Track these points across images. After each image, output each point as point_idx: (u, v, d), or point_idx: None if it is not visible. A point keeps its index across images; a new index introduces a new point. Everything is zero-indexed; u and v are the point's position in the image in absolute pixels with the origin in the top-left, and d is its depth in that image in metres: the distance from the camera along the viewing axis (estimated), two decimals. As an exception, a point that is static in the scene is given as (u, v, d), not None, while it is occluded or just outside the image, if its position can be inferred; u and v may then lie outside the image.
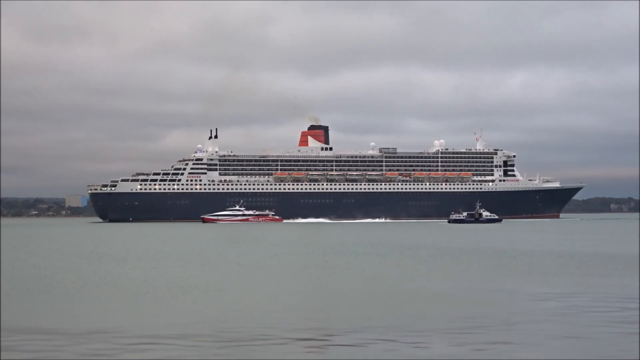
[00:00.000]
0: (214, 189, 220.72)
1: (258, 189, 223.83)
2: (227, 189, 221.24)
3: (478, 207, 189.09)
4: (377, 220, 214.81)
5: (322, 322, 29.64)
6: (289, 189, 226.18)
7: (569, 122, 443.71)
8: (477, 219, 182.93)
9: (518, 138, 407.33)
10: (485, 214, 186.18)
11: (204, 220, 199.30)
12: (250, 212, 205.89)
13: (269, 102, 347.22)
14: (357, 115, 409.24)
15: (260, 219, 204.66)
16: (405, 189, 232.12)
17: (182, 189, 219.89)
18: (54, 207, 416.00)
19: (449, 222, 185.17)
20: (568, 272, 50.15)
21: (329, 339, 25.85)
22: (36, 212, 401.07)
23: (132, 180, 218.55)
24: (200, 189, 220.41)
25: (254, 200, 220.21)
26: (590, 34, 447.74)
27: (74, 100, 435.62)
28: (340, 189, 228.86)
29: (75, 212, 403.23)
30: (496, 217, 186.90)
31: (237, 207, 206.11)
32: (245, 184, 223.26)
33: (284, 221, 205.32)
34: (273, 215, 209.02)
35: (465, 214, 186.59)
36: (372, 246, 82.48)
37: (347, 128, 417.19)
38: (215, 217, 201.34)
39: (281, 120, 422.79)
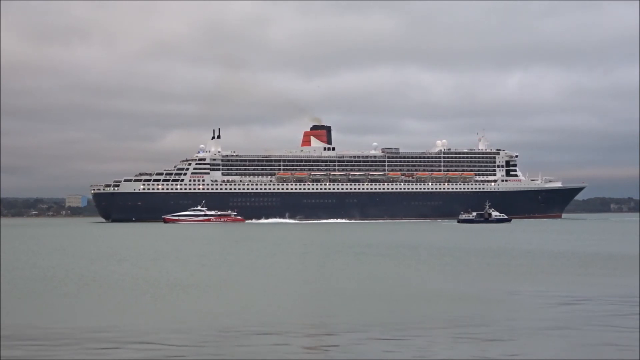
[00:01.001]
0: (216, 189, 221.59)
1: (261, 189, 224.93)
2: (230, 189, 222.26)
3: (487, 207, 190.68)
4: (345, 220, 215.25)
5: (324, 321, 30.04)
6: (291, 189, 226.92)
7: (567, 122, 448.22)
8: (486, 219, 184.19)
9: (516, 138, 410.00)
10: (495, 213, 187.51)
11: (165, 221, 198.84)
12: (212, 213, 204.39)
13: (267, 103, 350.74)
14: (356, 115, 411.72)
15: (222, 219, 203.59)
16: (408, 189, 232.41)
17: (185, 189, 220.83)
18: (54, 207, 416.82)
19: (458, 221, 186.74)
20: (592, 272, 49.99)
21: (330, 338, 26.24)
22: (36, 212, 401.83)
23: (135, 180, 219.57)
24: (203, 189, 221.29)
25: (256, 200, 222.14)
26: (586, 35, 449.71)
27: (74, 101, 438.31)
28: (342, 189, 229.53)
29: (75, 212, 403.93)
30: (505, 217, 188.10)
31: (199, 207, 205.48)
32: (247, 184, 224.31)
33: (247, 221, 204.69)
34: (235, 215, 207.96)
35: (474, 213, 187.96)
36: (386, 247, 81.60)
37: (347, 128, 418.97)
38: (177, 218, 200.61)
39: (280, 120, 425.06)
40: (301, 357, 23.34)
